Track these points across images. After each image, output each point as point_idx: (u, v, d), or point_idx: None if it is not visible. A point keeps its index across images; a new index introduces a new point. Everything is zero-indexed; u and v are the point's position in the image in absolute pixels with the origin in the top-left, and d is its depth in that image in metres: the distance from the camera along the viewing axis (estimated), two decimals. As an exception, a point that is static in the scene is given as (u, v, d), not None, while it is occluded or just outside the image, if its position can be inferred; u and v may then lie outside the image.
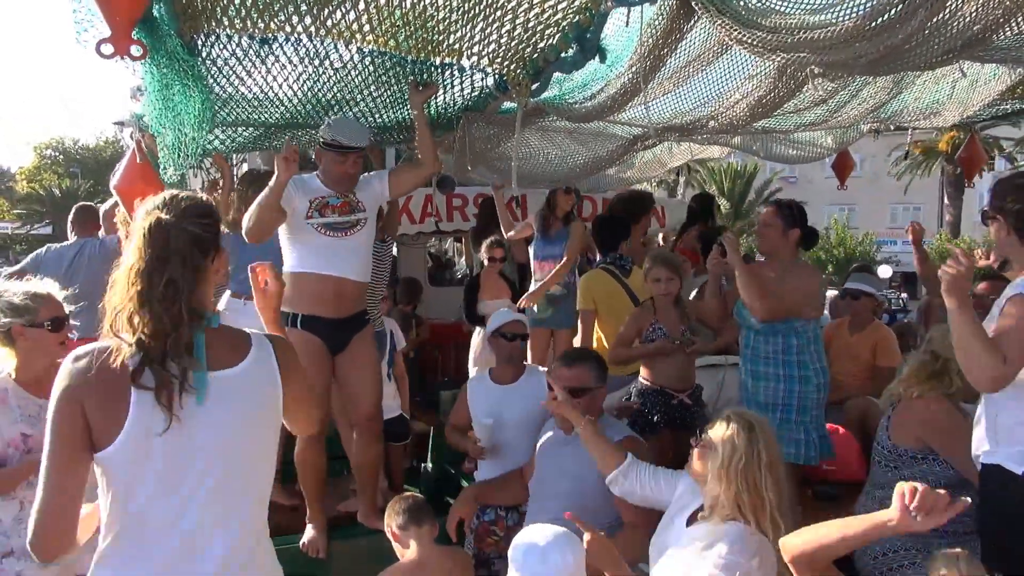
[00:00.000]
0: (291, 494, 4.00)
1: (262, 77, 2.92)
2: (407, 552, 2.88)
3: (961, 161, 6.05)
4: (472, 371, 5.22)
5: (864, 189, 34.10)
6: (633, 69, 2.95)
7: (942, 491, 1.76)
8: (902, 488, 1.76)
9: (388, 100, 3.42)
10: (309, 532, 3.64)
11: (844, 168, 6.05)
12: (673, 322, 4.09)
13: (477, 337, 5.52)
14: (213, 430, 1.69)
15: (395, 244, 5.56)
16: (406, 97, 3.41)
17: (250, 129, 3.70)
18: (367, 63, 2.90)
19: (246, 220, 3.19)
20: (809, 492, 4.14)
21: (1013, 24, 2.41)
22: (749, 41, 2.52)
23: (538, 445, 3.22)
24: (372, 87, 3.21)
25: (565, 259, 4.90)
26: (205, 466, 1.69)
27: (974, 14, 2.27)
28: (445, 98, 3.54)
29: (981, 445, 2.42)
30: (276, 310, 2.07)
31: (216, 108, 3.05)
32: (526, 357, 3.74)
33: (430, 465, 4.97)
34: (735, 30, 2.49)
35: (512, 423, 3.51)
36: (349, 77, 3.03)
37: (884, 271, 9.01)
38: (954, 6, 2.25)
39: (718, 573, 2.05)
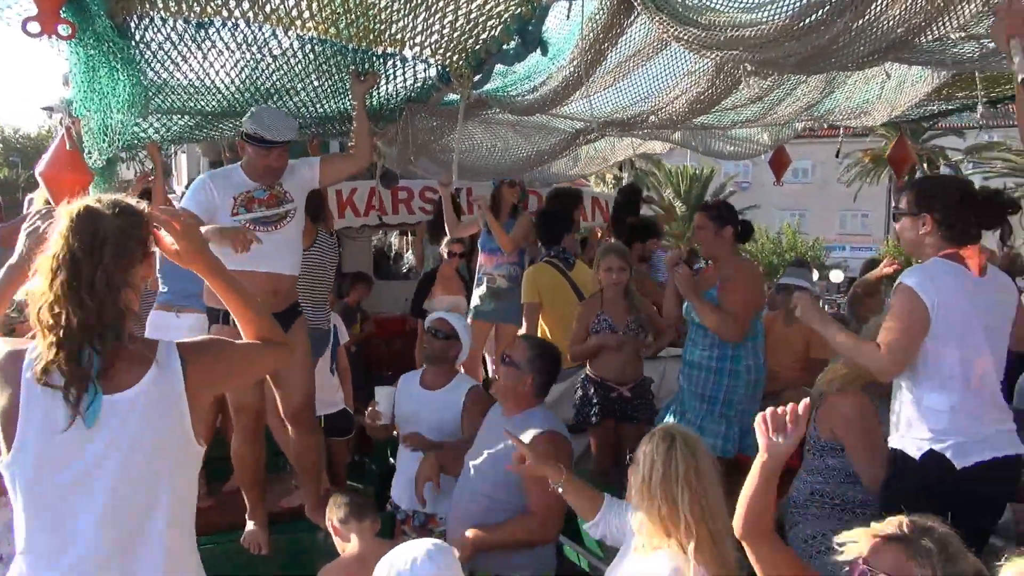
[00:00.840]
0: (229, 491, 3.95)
1: (198, 63, 2.85)
2: (348, 546, 2.87)
3: (891, 161, 6.26)
4: None
5: (815, 196, 35.53)
6: (574, 63, 2.98)
7: (786, 408, 1.91)
8: (757, 423, 1.93)
9: (329, 90, 3.38)
10: (249, 527, 3.59)
11: (780, 165, 6.20)
12: (620, 313, 4.17)
13: None
14: (97, 459, 1.60)
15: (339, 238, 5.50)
16: (348, 87, 3.37)
17: (186, 118, 3.61)
18: (307, 51, 2.87)
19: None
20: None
21: (934, 28, 2.51)
22: (685, 38, 2.58)
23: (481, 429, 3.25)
24: (313, 76, 3.18)
25: (510, 242, 4.91)
26: (89, 496, 1.61)
27: (897, 18, 2.36)
28: (388, 89, 3.52)
29: (894, 433, 2.57)
30: (204, 259, 1.81)
31: (151, 95, 2.97)
32: (452, 361, 3.69)
33: (383, 460, 4.94)
34: (672, 27, 2.54)
35: (426, 429, 3.52)
36: (289, 65, 3.00)
37: (836, 276, 9.29)
38: (878, 10, 2.33)
39: None
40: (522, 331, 4.72)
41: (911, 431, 2.48)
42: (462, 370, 3.89)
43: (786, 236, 31.45)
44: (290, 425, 3.61)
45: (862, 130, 5.28)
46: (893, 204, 3.07)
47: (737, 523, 2.04)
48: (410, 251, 9.22)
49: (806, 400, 1.94)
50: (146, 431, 1.64)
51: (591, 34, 2.85)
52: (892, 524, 1.73)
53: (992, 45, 2.93)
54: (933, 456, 2.41)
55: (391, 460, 4.82)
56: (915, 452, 2.44)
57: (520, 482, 2.88)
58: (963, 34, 2.83)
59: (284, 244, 3.36)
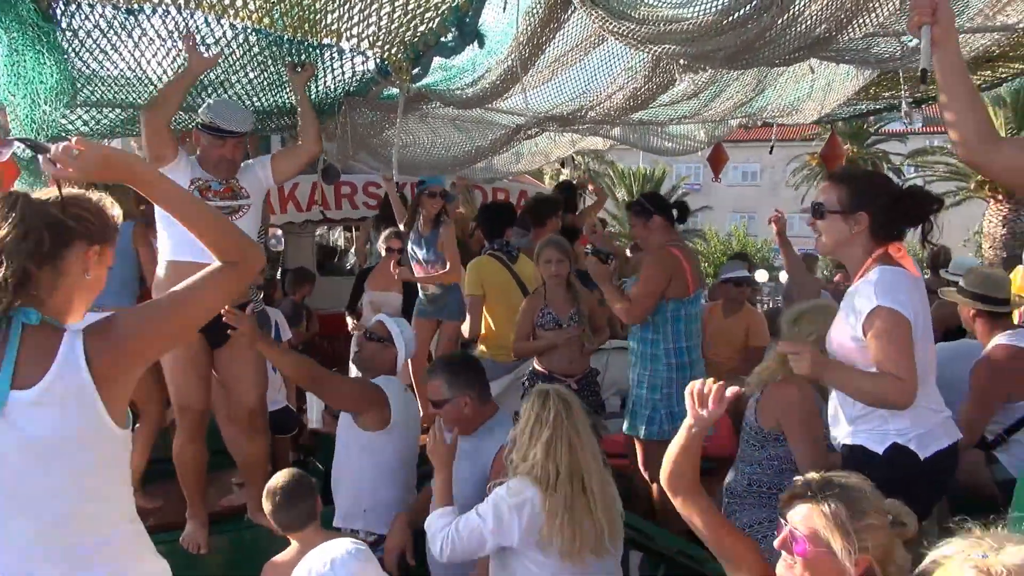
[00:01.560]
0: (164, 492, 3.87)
1: (129, 52, 2.80)
2: (292, 542, 2.84)
3: (823, 158, 6.46)
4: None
5: (764, 198, 36.17)
6: (512, 56, 3.00)
7: (716, 383, 2.00)
8: (686, 392, 2.04)
9: (265, 82, 3.35)
10: (188, 527, 3.53)
11: (718, 161, 6.30)
12: (562, 306, 4.22)
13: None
14: (12, 457, 1.53)
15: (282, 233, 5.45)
16: (284, 79, 3.34)
17: (117, 111, 3.53)
18: (241, 41, 2.83)
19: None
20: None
21: (856, 25, 2.61)
22: (621, 32, 2.63)
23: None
24: (248, 67, 3.14)
25: (449, 266, 4.86)
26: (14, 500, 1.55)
27: (819, 15, 2.45)
28: (326, 82, 3.49)
29: (843, 428, 2.54)
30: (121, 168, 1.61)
31: (79, 86, 2.89)
32: (390, 365, 3.61)
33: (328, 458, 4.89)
34: (608, 21, 2.59)
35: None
36: (223, 56, 2.95)
37: (760, 275, 9.58)
38: (801, 6, 2.42)
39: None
40: (466, 325, 4.73)
41: (869, 426, 2.46)
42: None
43: (736, 237, 32.31)
44: (240, 426, 3.56)
45: (810, 135, 5.44)
46: (813, 201, 2.92)
47: (663, 478, 2.17)
48: (354, 247, 9.16)
49: (736, 388, 2.01)
50: (55, 429, 1.55)
51: (528, 28, 2.88)
52: (805, 481, 1.83)
53: (913, 43, 3.06)
54: (897, 448, 2.42)
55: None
56: (878, 447, 2.43)
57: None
58: (884, 32, 2.95)
59: None
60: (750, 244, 31.76)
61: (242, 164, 3.43)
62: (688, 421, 2.07)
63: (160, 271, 3.32)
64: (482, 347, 4.54)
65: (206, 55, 2.94)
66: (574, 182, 7.21)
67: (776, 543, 1.84)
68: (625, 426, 3.97)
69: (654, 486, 3.91)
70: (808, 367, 2.37)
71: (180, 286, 1.67)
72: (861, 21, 2.54)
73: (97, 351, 1.57)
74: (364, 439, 3.32)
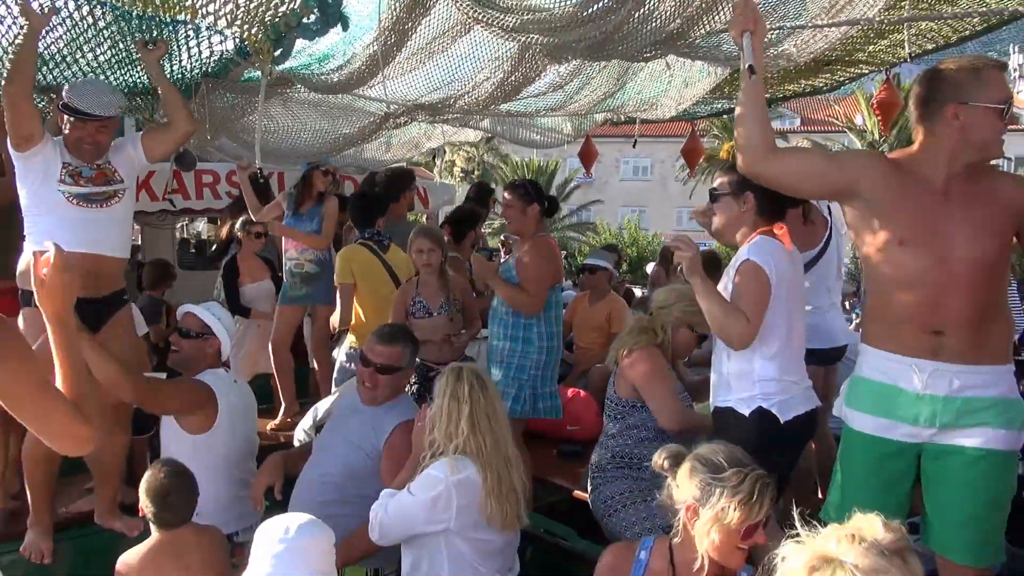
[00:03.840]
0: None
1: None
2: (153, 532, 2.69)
3: (683, 153, 6.77)
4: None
5: (654, 193, 37.93)
6: (378, 42, 2.98)
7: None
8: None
9: (112, 60, 3.15)
10: (30, 536, 3.29)
11: (588, 156, 6.47)
12: (434, 295, 4.22)
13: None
14: None
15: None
16: (134, 58, 3.16)
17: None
18: (84, 13, 2.65)
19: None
20: (555, 451, 4.48)
21: (706, 22, 2.77)
22: (486, 20, 2.67)
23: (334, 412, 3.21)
24: (93, 42, 2.94)
25: (323, 235, 4.84)
26: None
27: (672, 11, 2.59)
28: (181, 61, 3.33)
29: (716, 393, 2.81)
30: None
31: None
32: (212, 359, 3.39)
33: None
34: (473, 9, 2.62)
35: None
36: (64, 28, 2.76)
37: (650, 267, 10.01)
38: (656, 2, 2.54)
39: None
40: (335, 315, 4.64)
41: (739, 392, 2.71)
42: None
43: (627, 231, 33.23)
44: (105, 418, 3.30)
45: (700, 131, 5.69)
46: (709, 189, 3.19)
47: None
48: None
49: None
50: None
51: (394, 13, 2.86)
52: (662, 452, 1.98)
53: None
54: (761, 412, 2.66)
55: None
56: (745, 410, 2.67)
57: (374, 474, 2.86)
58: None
59: (111, 224, 3.17)
60: (641, 237, 32.93)
61: (112, 144, 3.22)
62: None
63: (24, 259, 3.14)
64: (352, 337, 4.46)
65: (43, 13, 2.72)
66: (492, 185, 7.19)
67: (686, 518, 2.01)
68: None
69: None
70: (689, 262, 2.60)
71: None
72: (710, 19, 2.70)
73: None
74: (189, 443, 3.16)
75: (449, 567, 2.51)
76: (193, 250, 9.22)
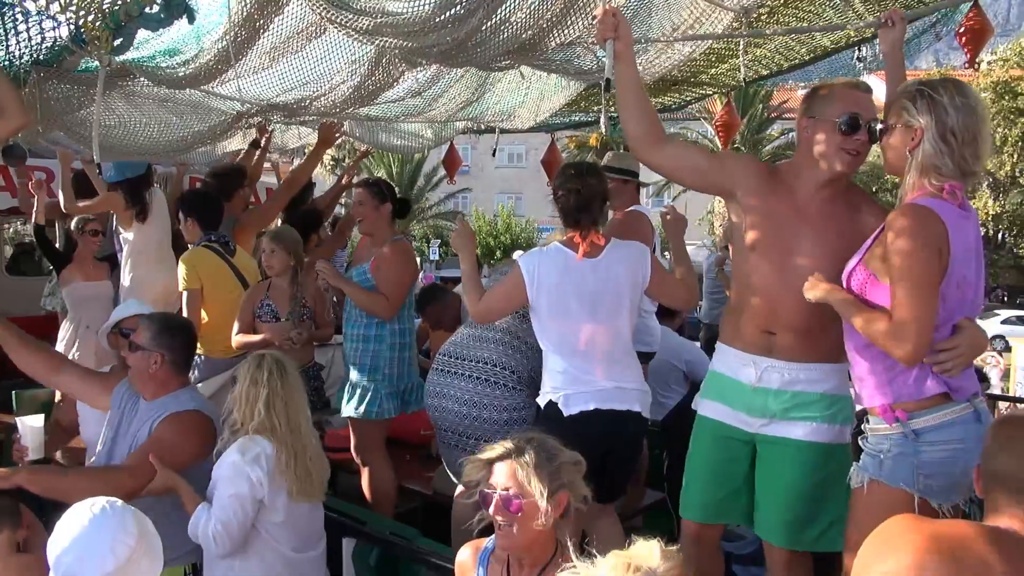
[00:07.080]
0: None
1: None
2: None
3: (544, 164, 6.94)
4: None
5: (529, 180, 37.36)
6: (227, 37, 2.88)
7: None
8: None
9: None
10: None
11: (452, 164, 6.49)
12: (283, 299, 4.12)
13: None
14: None
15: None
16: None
17: None
18: None
19: None
20: (407, 456, 4.45)
21: (557, 34, 2.88)
22: (340, 22, 2.64)
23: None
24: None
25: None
26: None
27: (524, 21, 2.67)
28: (9, 48, 3.08)
29: (543, 389, 3.05)
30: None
31: None
32: None
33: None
34: (326, 10, 2.59)
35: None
36: None
37: (517, 255, 10.11)
38: (508, 12, 2.61)
39: None
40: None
41: (544, 385, 3.04)
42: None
43: (502, 218, 33.50)
44: None
45: (573, 122, 5.84)
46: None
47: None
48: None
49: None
50: None
51: (244, 9, 2.78)
52: (498, 447, 2.01)
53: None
54: (551, 405, 2.96)
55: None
56: (542, 402, 3.00)
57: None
58: (583, 44, 3.28)
59: None
60: (515, 224, 33.25)
61: None
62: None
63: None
64: (198, 343, 4.27)
65: None
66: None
67: (491, 512, 1.97)
68: (344, 410, 3.96)
69: (365, 470, 3.97)
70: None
71: None
72: (561, 31, 2.81)
73: None
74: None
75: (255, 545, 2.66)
76: (26, 253, 8.49)
